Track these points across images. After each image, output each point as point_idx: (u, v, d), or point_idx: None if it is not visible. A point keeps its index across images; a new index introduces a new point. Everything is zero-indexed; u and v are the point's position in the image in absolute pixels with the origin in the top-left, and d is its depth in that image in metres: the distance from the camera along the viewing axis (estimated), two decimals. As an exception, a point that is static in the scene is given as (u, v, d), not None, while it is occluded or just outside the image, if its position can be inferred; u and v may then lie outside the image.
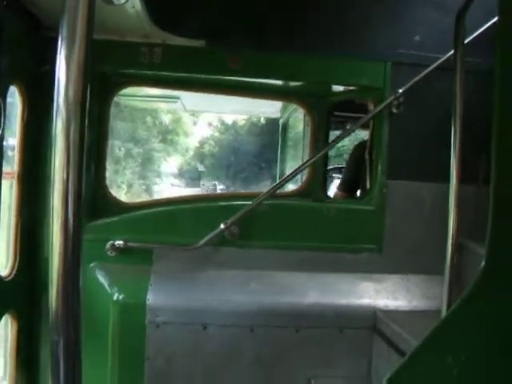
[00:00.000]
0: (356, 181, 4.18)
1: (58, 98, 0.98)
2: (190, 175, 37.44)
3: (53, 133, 0.99)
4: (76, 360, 1.03)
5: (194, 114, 27.89)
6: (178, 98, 4.82)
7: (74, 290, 1.01)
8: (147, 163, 30.26)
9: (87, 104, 1.00)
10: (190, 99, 4.93)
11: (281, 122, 5.43)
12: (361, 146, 4.20)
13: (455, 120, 2.57)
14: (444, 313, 2.47)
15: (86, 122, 1.01)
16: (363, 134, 4.87)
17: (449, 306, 2.51)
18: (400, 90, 3.10)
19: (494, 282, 1.30)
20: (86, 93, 1.00)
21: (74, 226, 0.99)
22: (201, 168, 37.43)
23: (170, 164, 35.90)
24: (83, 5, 1.00)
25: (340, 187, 4.37)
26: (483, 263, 1.31)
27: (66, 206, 0.98)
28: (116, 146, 24.73)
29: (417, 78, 3.10)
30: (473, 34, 2.92)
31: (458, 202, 2.56)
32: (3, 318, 2.67)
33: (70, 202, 0.98)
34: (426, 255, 3.19)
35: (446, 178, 2.72)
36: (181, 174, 37.86)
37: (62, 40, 0.99)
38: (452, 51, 2.95)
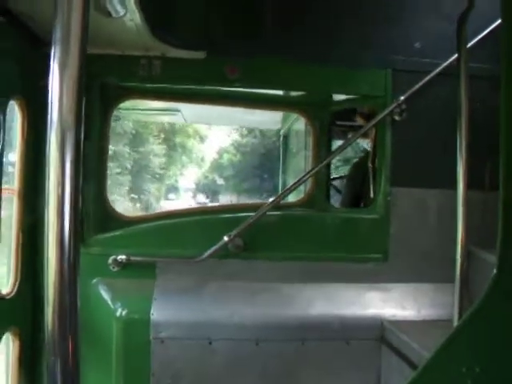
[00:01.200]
0: (358, 196, 4.16)
1: (51, 111, 0.96)
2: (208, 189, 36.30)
3: (47, 147, 0.96)
4: (74, 380, 0.99)
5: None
6: (179, 110, 4.81)
7: (72, 308, 0.98)
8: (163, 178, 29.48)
9: (82, 117, 0.98)
10: (190, 111, 4.93)
11: (282, 132, 5.42)
12: (360, 161, 4.20)
13: (461, 125, 2.55)
14: (455, 322, 2.42)
15: (82, 135, 0.98)
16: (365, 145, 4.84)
17: (460, 314, 2.47)
18: (402, 97, 3.08)
19: (506, 290, 1.26)
20: (81, 106, 0.97)
21: (70, 242, 0.96)
22: (220, 181, 36.16)
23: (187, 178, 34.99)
24: (76, 18, 0.98)
25: (343, 204, 4.35)
26: (495, 271, 1.28)
27: (62, 221, 0.95)
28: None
29: (418, 85, 3.08)
30: (473, 39, 2.90)
31: (466, 209, 2.53)
32: (4, 336, 2.63)
33: (66, 217, 0.95)
34: (432, 263, 3.14)
35: (451, 184, 2.69)
36: (198, 189, 36.96)
37: (55, 54, 0.97)
38: (453, 56, 2.94)
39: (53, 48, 0.96)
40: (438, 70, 3.06)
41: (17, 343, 2.73)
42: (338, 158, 7.06)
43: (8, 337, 2.69)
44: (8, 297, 2.67)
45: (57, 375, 0.97)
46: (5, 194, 2.65)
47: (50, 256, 0.96)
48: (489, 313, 1.29)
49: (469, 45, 2.65)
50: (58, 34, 0.96)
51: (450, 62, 3.00)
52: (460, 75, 2.55)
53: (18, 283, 2.73)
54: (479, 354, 1.26)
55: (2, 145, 2.40)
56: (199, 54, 3.05)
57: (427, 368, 1.37)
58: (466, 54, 2.54)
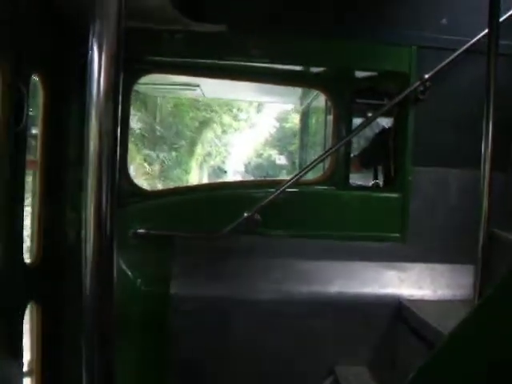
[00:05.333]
0: (373, 159, 4.13)
1: (90, 86, 0.97)
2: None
3: (86, 122, 0.98)
4: (111, 349, 1.02)
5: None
6: (198, 85, 4.79)
7: (109, 276, 1.01)
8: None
9: (120, 92, 0.99)
10: (209, 86, 4.90)
11: (301, 109, 5.37)
12: (384, 132, 4.13)
13: (488, 105, 2.49)
14: (476, 301, 2.42)
15: (119, 110, 0.99)
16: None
17: (480, 295, 2.46)
18: (426, 75, 3.02)
19: None
20: (118, 81, 0.99)
21: (107, 209, 1.00)
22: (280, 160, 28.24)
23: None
24: None
25: (355, 159, 4.32)
26: None
27: (100, 197, 0.98)
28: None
29: (444, 63, 3.02)
30: (504, 14, 2.82)
31: (491, 189, 2.50)
32: (28, 306, 2.69)
33: (103, 191, 0.98)
34: (451, 244, 3.13)
35: (473, 165, 2.65)
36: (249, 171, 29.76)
37: (94, 28, 0.98)
38: (480, 33, 2.86)
39: (91, 24, 0.97)
40: (464, 47, 2.98)
41: (40, 313, 2.79)
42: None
43: (32, 307, 2.75)
44: (31, 268, 2.72)
45: (94, 344, 1.01)
46: (28, 167, 2.68)
47: (89, 231, 0.99)
48: (510, 293, 1.28)
49: (501, 19, 2.57)
50: (96, 10, 0.97)
51: (478, 39, 2.93)
52: (489, 52, 2.48)
53: (41, 254, 2.78)
54: (499, 335, 1.26)
55: (26, 119, 2.42)
56: (221, 28, 3.02)
57: (445, 347, 1.37)
58: (498, 28, 2.46)
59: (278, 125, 28.91)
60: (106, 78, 0.97)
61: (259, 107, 25.99)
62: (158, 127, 19.67)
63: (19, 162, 2.46)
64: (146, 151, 18.92)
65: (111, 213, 0.99)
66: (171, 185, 19.67)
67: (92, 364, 1.01)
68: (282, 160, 27.81)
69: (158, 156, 19.47)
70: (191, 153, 23.40)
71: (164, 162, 20.05)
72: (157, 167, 19.66)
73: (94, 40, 0.97)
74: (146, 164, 18.54)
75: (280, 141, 28.44)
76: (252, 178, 25.27)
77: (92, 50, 0.97)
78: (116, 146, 0.99)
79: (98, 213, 0.98)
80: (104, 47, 0.97)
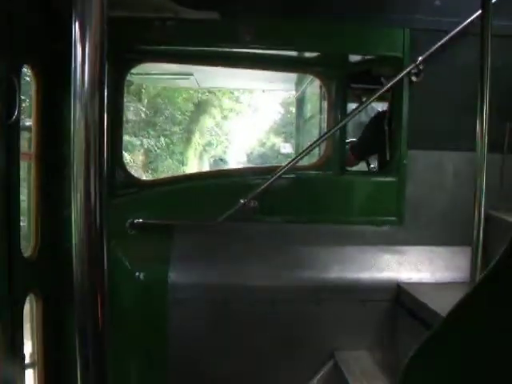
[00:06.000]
0: (370, 147, 4.13)
1: (75, 78, 0.96)
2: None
3: (72, 115, 0.97)
4: (103, 340, 1.02)
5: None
6: (191, 74, 4.77)
7: (100, 269, 1.00)
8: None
9: (105, 83, 0.98)
10: (203, 75, 4.88)
11: (296, 95, 5.35)
12: (378, 116, 4.12)
13: (482, 87, 2.48)
14: (472, 283, 2.43)
15: (105, 100, 0.98)
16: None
17: (476, 277, 2.48)
18: (420, 58, 3.01)
19: None
20: (103, 71, 0.97)
21: (97, 205, 0.98)
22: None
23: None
24: None
25: (353, 150, 4.31)
26: None
27: (89, 188, 0.97)
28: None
29: (437, 45, 3.00)
30: None
31: (485, 172, 2.50)
32: (28, 297, 2.70)
33: (92, 183, 0.97)
34: (448, 226, 3.14)
35: (469, 146, 2.65)
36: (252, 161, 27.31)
37: (75, 18, 0.96)
38: (474, 15, 2.85)
39: (74, 11, 0.95)
40: (458, 28, 2.97)
41: (40, 304, 2.80)
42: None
43: (32, 298, 2.76)
44: (30, 259, 2.72)
45: (87, 335, 1.01)
46: (23, 159, 2.67)
47: (78, 222, 0.98)
48: (505, 274, 1.28)
49: (493, 0, 2.55)
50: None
51: (472, 20, 2.91)
52: (483, 34, 2.47)
53: (39, 245, 2.78)
54: (495, 316, 1.26)
55: (19, 111, 2.40)
56: (212, 15, 2.99)
57: (440, 328, 1.38)
58: (490, 9, 2.45)
59: (282, 110, 27.11)
60: (91, 67, 0.96)
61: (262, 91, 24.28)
62: (142, 108, 17.14)
63: (13, 154, 2.44)
64: (127, 138, 15.77)
65: (100, 204, 0.98)
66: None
67: (86, 356, 1.01)
68: (287, 149, 25.73)
69: (141, 143, 17.23)
70: (187, 141, 21.51)
71: (150, 151, 18.03)
72: (141, 157, 17.56)
73: (77, 28, 0.95)
74: (125, 153, 16.58)
75: (285, 128, 26.33)
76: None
77: (75, 38, 0.95)
78: (103, 136, 0.98)
79: (87, 205, 0.98)
80: (87, 36, 0.95)
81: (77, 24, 0.95)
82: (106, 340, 1.03)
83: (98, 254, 1.00)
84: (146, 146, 17.42)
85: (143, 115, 17.13)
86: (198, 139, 23.05)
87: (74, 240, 0.99)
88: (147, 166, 17.90)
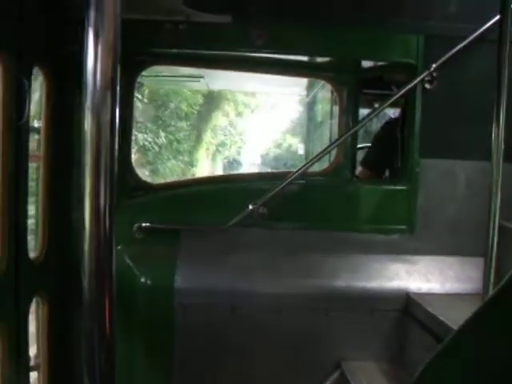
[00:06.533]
0: (384, 159, 4.04)
1: (86, 80, 0.94)
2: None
3: (83, 117, 0.96)
4: (110, 345, 1.01)
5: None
6: (202, 76, 4.77)
7: (108, 273, 0.99)
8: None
9: (117, 86, 0.97)
10: (213, 78, 4.87)
11: (307, 100, 5.32)
12: (391, 124, 4.07)
13: (499, 94, 2.44)
14: (484, 296, 2.39)
15: (118, 105, 0.97)
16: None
17: (489, 288, 2.43)
18: (434, 65, 2.97)
19: None
20: (116, 74, 0.96)
21: (106, 206, 0.97)
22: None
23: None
24: None
25: (366, 164, 4.21)
26: None
27: (98, 185, 0.96)
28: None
29: (452, 52, 2.95)
30: None
31: (500, 182, 2.46)
32: (34, 300, 2.69)
33: (102, 186, 0.96)
34: (459, 236, 3.09)
35: (482, 156, 2.61)
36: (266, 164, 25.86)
37: (89, 20, 0.95)
38: (491, 21, 2.80)
39: (86, 14, 0.94)
40: (473, 35, 2.92)
41: (46, 307, 2.79)
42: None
43: (38, 301, 2.75)
44: (36, 262, 2.72)
45: (94, 340, 0.99)
46: (32, 161, 2.67)
47: (87, 224, 0.97)
48: None
49: None
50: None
51: (489, 27, 2.86)
52: (501, 40, 2.42)
53: (46, 248, 2.77)
54: (509, 330, 1.22)
55: (28, 113, 2.39)
56: (225, 18, 2.97)
57: (453, 342, 1.35)
58: (509, 14, 2.40)
59: (300, 109, 24.84)
60: (104, 69, 0.94)
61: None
62: (143, 100, 15.04)
63: (22, 156, 2.44)
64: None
65: (110, 208, 0.97)
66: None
67: (93, 360, 1.00)
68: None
69: (136, 140, 14.58)
70: (196, 139, 19.65)
71: (148, 150, 15.74)
72: (137, 155, 14.94)
73: (90, 30, 0.94)
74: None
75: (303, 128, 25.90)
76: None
77: (87, 40, 0.94)
78: (115, 139, 0.96)
79: (96, 208, 0.96)
80: (100, 37, 0.94)
81: (90, 26, 0.94)
82: (113, 347, 1.01)
83: (106, 259, 0.98)
84: (141, 143, 15.53)
85: (139, 104, 14.84)
86: (208, 137, 21.33)
87: (83, 243, 0.97)
88: (143, 166, 15.67)
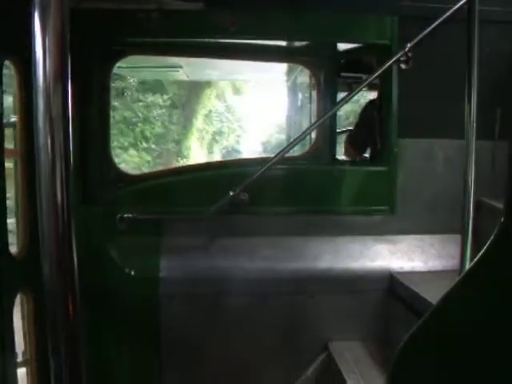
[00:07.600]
0: (367, 138, 4.07)
1: (36, 71, 0.91)
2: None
3: (34, 108, 0.92)
4: (77, 338, 0.99)
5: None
6: (180, 66, 4.72)
7: (70, 266, 0.97)
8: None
9: (69, 75, 0.94)
10: (192, 67, 4.82)
11: (287, 84, 5.31)
12: (374, 103, 4.08)
13: (470, 73, 2.46)
14: (461, 272, 2.43)
15: (69, 95, 0.94)
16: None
17: (466, 264, 2.47)
18: (408, 45, 2.98)
19: None
20: (66, 62, 0.93)
21: (63, 201, 0.94)
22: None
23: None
24: None
25: (351, 142, 4.23)
26: (501, 219, 1.26)
27: (54, 181, 0.93)
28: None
29: (425, 32, 2.96)
30: None
31: (475, 159, 2.48)
32: (18, 296, 2.67)
33: (58, 181, 0.93)
34: (440, 214, 3.13)
35: (459, 134, 2.63)
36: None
37: (34, 8, 0.91)
38: (461, 1, 2.81)
39: (32, 2, 0.91)
40: (445, 15, 2.93)
41: (30, 303, 2.77)
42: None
43: (21, 297, 2.73)
44: (18, 258, 2.70)
45: (59, 334, 0.98)
46: (10, 156, 2.64)
47: (45, 223, 0.94)
48: (495, 262, 1.27)
49: None
50: None
51: (461, 6, 2.88)
52: (470, 19, 2.44)
53: (27, 244, 2.75)
54: (484, 304, 1.25)
55: (1, 107, 2.36)
56: (197, 6, 2.95)
57: (431, 317, 1.37)
58: None
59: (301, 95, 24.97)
60: (53, 58, 0.92)
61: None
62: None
63: None
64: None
65: (67, 203, 0.95)
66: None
67: (58, 359, 0.98)
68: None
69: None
70: (186, 124, 17.99)
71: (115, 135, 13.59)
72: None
73: (36, 19, 0.90)
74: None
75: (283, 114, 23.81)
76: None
77: (34, 29, 0.91)
78: (68, 132, 0.94)
79: (53, 206, 0.94)
80: (48, 27, 0.91)
81: (36, 14, 0.90)
82: (79, 341, 1.00)
83: (66, 253, 0.96)
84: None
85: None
86: (198, 120, 19.22)
87: (41, 240, 0.95)
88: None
